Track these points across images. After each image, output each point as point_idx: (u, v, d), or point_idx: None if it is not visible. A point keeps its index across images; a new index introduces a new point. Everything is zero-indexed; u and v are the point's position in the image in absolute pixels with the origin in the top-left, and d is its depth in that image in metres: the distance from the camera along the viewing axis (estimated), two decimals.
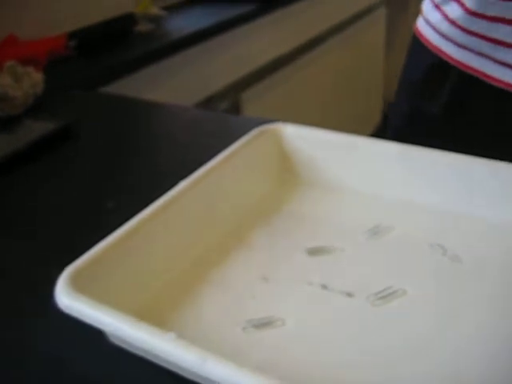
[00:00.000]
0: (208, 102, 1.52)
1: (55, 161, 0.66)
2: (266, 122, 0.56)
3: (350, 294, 0.41)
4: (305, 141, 0.54)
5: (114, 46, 1.35)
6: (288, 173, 0.55)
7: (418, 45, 0.78)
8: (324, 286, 0.42)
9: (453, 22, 0.68)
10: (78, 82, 1.11)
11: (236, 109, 1.66)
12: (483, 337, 0.37)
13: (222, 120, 0.80)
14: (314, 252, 0.46)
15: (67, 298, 0.35)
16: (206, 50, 1.50)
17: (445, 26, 0.70)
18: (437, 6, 0.72)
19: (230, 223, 0.49)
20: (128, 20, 1.44)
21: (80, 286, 0.36)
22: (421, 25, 0.78)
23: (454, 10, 0.68)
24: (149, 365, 0.36)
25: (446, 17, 0.70)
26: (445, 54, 0.71)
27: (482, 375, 0.35)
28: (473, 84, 0.68)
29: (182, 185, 0.46)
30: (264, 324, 0.39)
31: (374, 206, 0.51)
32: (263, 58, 1.77)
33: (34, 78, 0.82)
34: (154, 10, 1.53)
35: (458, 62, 0.69)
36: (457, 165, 0.48)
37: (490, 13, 0.62)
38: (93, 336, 0.38)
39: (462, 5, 0.66)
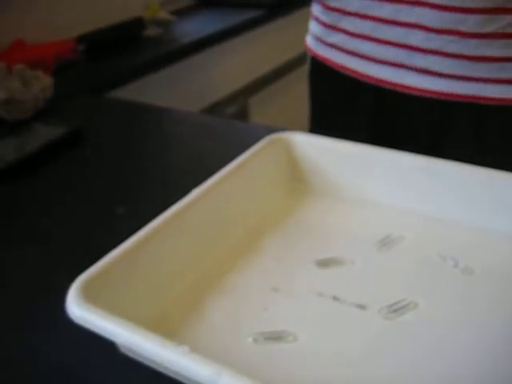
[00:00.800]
0: (215, 107, 1.52)
1: (64, 166, 0.66)
2: (275, 129, 0.55)
3: (361, 307, 0.41)
4: (315, 149, 0.53)
5: (122, 50, 1.35)
6: (298, 182, 0.54)
7: (321, 72, 0.76)
8: (335, 298, 0.42)
9: (360, 36, 0.67)
10: (87, 86, 1.11)
11: (243, 114, 1.66)
12: (498, 350, 0.37)
13: (231, 127, 0.80)
14: (324, 263, 0.45)
15: (78, 308, 0.34)
16: (214, 55, 1.50)
17: (351, 43, 0.68)
18: (332, 27, 0.70)
19: (241, 233, 0.48)
20: (137, 24, 1.44)
21: (91, 296, 0.35)
22: (317, 47, 0.75)
23: (359, 24, 0.66)
24: (160, 377, 0.35)
25: (348, 33, 0.68)
26: (357, 72, 0.69)
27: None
28: (391, 98, 0.68)
29: (194, 194, 0.45)
30: (276, 338, 0.38)
31: (384, 217, 0.50)
32: (271, 63, 1.77)
33: (43, 82, 0.82)
34: (163, 15, 1.53)
35: (372, 77, 0.68)
36: (469, 176, 0.47)
37: (404, 19, 0.61)
38: (105, 347, 0.37)
39: (367, 16, 0.64)
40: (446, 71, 0.62)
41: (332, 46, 0.71)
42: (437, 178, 0.49)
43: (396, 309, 0.41)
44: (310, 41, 0.78)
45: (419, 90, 0.64)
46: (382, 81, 0.67)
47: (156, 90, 1.29)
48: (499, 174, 0.46)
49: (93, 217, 0.55)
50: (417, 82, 0.64)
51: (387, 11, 0.62)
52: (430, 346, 0.37)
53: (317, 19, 0.73)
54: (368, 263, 0.45)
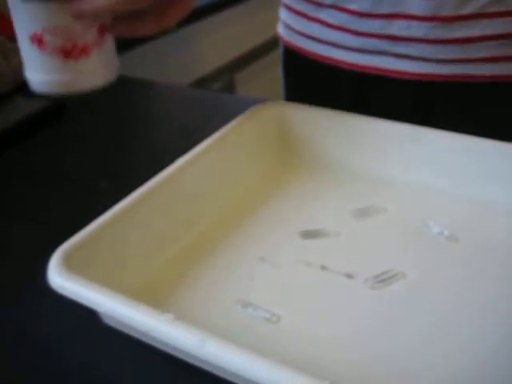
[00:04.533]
0: (201, 83, 1.50)
1: (48, 140, 0.64)
2: (263, 101, 0.54)
3: (349, 276, 0.40)
4: (303, 119, 0.52)
5: None
6: (286, 152, 0.53)
7: (296, 61, 0.75)
8: (324, 268, 0.41)
9: (340, 28, 0.65)
10: None
11: (230, 90, 1.64)
12: (485, 316, 0.37)
13: (218, 99, 0.78)
14: (310, 234, 0.44)
15: (59, 277, 0.34)
16: (199, 29, 1.48)
17: (332, 34, 0.66)
18: (306, 17, 0.68)
19: (227, 203, 0.47)
20: None
21: (73, 265, 0.35)
22: (290, 36, 0.74)
23: (336, 15, 0.64)
24: (145, 347, 0.35)
25: (324, 23, 0.66)
26: (337, 60, 0.68)
27: (481, 355, 0.34)
28: (373, 83, 0.67)
29: (179, 162, 0.44)
30: (263, 307, 0.38)
31: (370, 187, 0.49)
32: (258, 38, 1.75)
33: None
34: None
35: (354, 64, 0.66)
36: (457, 145, 0.47)
37: (382, 11, 0.61)
38: (89, 318, 0.37)
39: (344, 9, 0.63)
40: (429, 56, 0.61)
41: (307, 36, 0.70)
42: (423, 147, 0.48)
43: (383, 279, 0.40)
44: (282, 29, 0.76)
45: (402, 73, 0.64)
46: (362, 67, 0.66)
47: (139, 66, 1.27)
48: (483, 142, 0.46)
49: (77, 191, 0.54)
50: (399, 66, 0.63)
51: (366, 5, 0.61)
52: (420, 314, 0.37)
53: (289, 8, 0.71)
54: (354, 234, 0.44)
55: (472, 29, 0.58)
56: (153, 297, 0.38)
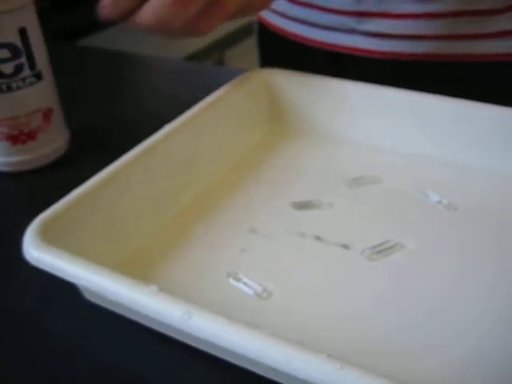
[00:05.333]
0: (191, 59, 1.47)
1: None
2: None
3: (345, 246, 0.38)
4: (294, 86, 0.50)
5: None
6: (275, 121, 0.51)
7: (269, 37, 0.73)
8: (318, 238, 0.39)
9: (304, 4, 0.64)
10: (53, 35, 1.05)
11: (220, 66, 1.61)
12: (491, 285, 0.35)
13: (208, 71, 0.76)
14: (303, 205, 0.42)
15: (36, 249, 0.31)
16: None
17: (295, 10, 0.66)
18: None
19: (216, 172, 0.45)
20: None
21: (51, 237, 0.32)
22: (265, 14, 0.72)
23: None
24: (128, 323, 0.33)
25: (291, 0, 0.65)
26: (305, 38, 0.67)
27: (482, 325, 0.32)
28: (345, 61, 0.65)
29: (165, 130, 0.42)
30: (256, 279, 0.36)
31: (364, 156, 0.47)
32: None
33: None
34: None
35: (322, 42, 0.65)
36: (455, 111, 0.45)
37: None
38: (68, 293, 0.35)
39: None
40: (398, 32, 0.59)
41: (277, 12, 0.68)
42: (420, 114, 0.46)
43: (381, 249, 0.38)
44: None
45: (373, 51, 0.62)
46: (332, 45, 0.64)
47: (126, 41, 1.24)
48: (481, 107, 0.44)
49: (60, 163, 0.52)
50: (370, 44, 0.61)
51: None
52: (420, 286, 0.35)
53: None
54: (348, 204, 0.42)
55: (444, 4, 0.57)
56: (138, 270, 0.36)
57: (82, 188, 0.36)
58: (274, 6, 0.68)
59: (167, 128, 0.42)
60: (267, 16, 0.72)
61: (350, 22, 0.61)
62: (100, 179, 0.37)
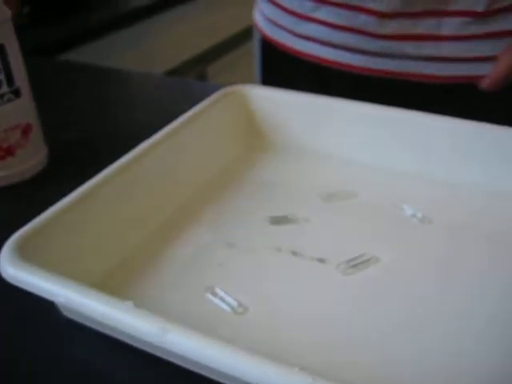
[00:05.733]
0: (173, 74, 1.48)
1: None
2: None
3: (321, 260, 0.39)
4: (272, 102, 0.51)
5: (69, 13, 1.29)
6: (253, 136, 0.52)
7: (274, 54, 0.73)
8: (294, 253, 0.39)
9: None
10: (31, 51, 1.05)
11: (202, 81, 1.62)
12: (460, 299, 0.35)
13: (188, 86, 0.76)
14: (279, 220, 0.43)
15: (12, 266, 0.31)
16: (171, 19, 1.45)
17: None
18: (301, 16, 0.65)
19: (194, 187, 0.45)
20: None
21: (27, 254, 0.32)
22: (271, 30, 0.72)
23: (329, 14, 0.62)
24: (106, 339, 0.33)
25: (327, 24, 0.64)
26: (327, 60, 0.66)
27: (458, 339, 0.33)
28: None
29: (142, 146, 0.42)
30: (233, 294, 0.36)
31: (340, 171, 0.48)
32: (231, 29, 1.73)
33: None
34: None
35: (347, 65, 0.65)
36: (430, 126, 0.46)
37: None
38: (46, 311, 0.35)
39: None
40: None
41: (298, 35, 0.67)
42: (396, 129, 0.47)
43: (356, 263, 0.39)
44: (259, 19, 0.74)
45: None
46: (356, 67, 0.64)
47: (105, 57, 1.24)
48: (457, 123, 0.45)
49: (39, 179, 0.52)
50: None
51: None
52: (394, 299, 0.36)
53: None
54: (324, 218, 0.43)
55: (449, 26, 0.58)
56: (116, 286, 0.36)
57: (59, 205, 0.36)
58: (291, 26, 0.67)
59: (144, 144, 0.42)
60: (276, 35, 0.71)
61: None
62: (77, 196, 0.37)
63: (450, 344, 0.32)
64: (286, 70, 0.72)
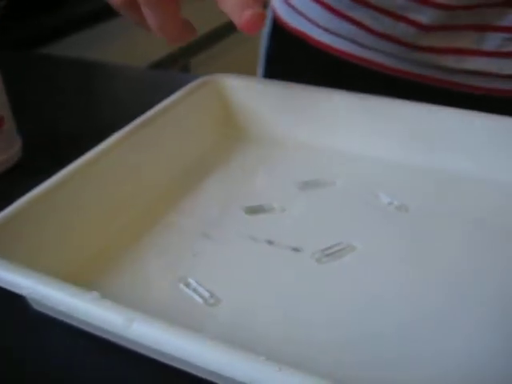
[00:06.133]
0: (155, 67, 1.47)
1: None
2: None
3: (296, 250, 0.38)
4: (249, 92, 0.50)
5: (49, 5, 1.27)
6: (230, 125, 0.51)
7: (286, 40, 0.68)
8: (269, 242, 0.39)
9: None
10: (8, 45, 1.04)
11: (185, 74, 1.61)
12: (436, 286, 0.35)
13: (171, 78, 0.75)
14: (255, 210, 0.42)
15: None
16: None
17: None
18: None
19: (169, 177, 0.45)
20: None
21: None
22: (289, 16, 0.67)
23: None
24: (75, 332, 0.32)
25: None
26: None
27: (437, 324, 0.32)
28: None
29: (114, 137, 0.42)
30: (206, 285, 0.35)
31: (318, 160, 0.47)
32: (214, 22, 1.72)
33: None
34: None
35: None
36: (407, 113, 0.45)
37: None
38: (15, 303, 0.34)
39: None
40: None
41: (316, 24, 0.64)
42: (372, 116, 0.46)
43: (331, 252, 0.38)
44: (278, 5, 0.70)
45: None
46: (387, 68, 0.62)
47: (86, 50, 1.22)
48: (434, 110, 0.45)
49: (12, 172, 0.51)
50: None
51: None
52: (370, 288, 0.35)
53: None
54: (300, 207, 0.42)
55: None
56: (89, 278, 0.35)
57: (29, 196, 0.35)
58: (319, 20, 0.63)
59: (116, 136, 0.42)
60: (294, 22, 0.67)
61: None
62: (48, 187, 0.36)
63: (432, 334, 0.32)
64: (297, 57, 0.69)
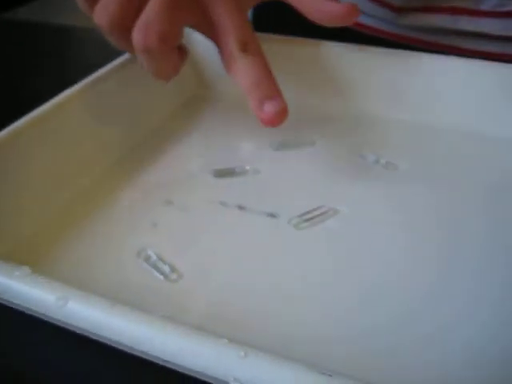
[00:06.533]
0: None
1: None
2: None
3: (272, 215, 0.34)
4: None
5: None
6: (199, 85, 0.46)
7: None
8: (241, 207, 0.34)
9: None
10: None
11: None
12: (424, 249, 0.31)
13: None
14: (225, 173, 0.38)
15: None
16: None
17: None
18: None
19: (129, 140, 0.40)
20: None
21: None
22: None
23: None
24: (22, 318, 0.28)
25: None
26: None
27: (418, 286, 0.28)
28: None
29: (65, 93, 0.37)
30: (167, 258, 0.31)
31: (294, 119, 0.43)
32: None
33: None
34: None
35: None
36: (389, 62, 0.41)
37: None
38: None
39: None
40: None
41: None
42: (352, 67, 0.42)
43: (311, 217, 0.34)
44: None
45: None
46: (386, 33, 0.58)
47: (61, 14, 1.16)
48: (420, 57, 0.40)
49: None
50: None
51: None
52: (354, 256, 0.31)
53: None
54: (276, 170, 0.38)
55: None
56: (37, 253, 0.30)
57: None
58: None
59: (68, 91, 0.37)
60: None
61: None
62: None
63: (423, 306, 0.28)
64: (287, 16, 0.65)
